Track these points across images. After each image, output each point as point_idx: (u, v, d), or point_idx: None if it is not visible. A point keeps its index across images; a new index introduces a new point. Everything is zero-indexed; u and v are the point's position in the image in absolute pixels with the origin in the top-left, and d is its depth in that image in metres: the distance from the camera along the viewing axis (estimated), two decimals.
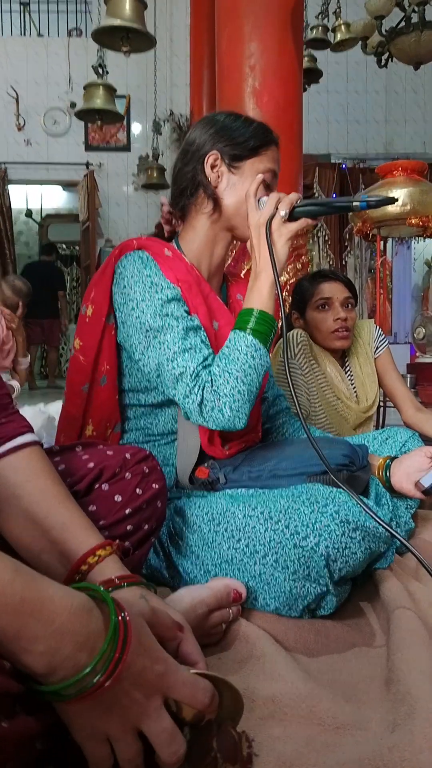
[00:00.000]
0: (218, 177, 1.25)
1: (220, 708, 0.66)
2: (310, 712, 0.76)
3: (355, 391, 2.06)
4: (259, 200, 1.20)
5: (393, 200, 1.12)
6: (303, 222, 1.17)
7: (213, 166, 1.25)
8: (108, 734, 0.56)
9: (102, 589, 0.60)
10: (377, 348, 2.12)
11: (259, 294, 1.16)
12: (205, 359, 1.14)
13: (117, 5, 3.87)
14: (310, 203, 1.18)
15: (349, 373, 2.08)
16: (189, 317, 1.17)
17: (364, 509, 0.99)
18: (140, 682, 0.57)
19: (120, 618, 0.56)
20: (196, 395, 1.11)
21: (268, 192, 1.24)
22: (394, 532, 0.96)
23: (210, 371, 1.12)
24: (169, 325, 1.14)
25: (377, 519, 0.96)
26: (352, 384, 2.07)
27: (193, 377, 1.12)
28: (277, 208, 1.17)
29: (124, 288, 1.18)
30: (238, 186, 1.25)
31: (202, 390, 1.11)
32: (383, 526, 0.97)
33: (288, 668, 0.84)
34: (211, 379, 1.11)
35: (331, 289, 1.99)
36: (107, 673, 0.54)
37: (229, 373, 1.11)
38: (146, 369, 1.17)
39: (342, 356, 2.09)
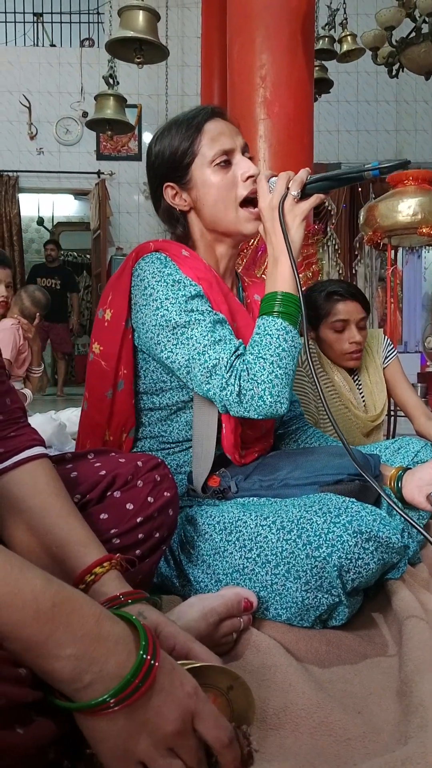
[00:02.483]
0: (185, 201, 1.28)
1: (231, 708, 0.66)
2: (322, 723, 0.76)
3: (364, 400, 2.05)
4: (268, 181, 1.18)
5: (407, 162, 1.08)
6: (316, 199, 1.15)
7: (174, 196, 1.28)
8: (138, 757, 0.56)
9: (134, 617, 0.61)
10: (386, 358, 2.11)
11: (282, 277, 1.14)
12: (237, 349, 1.13)
13: (130, 17, 3.91)
14: (321, 178, 1.15)
15: (357, 381, 2.07)
16: (214, 311, 1.17)
17: (388, 502, 0.98)
18: (171, 698, 0.56)
19: (151, 642, 0.58)
20: (234, 386, 1.10)
21: (228, 168, 1.23)
22: (412, 521, 0.95)
23: (244, 360, 1.11)
24: (195, 319, 1.14)
25: (401, 512, 0.95)
26: (360, 393, 2.06)
27: (227, 368, 1.11)
28: (288, 189, 1.15)
29: (146, 289, 1.18)
30: (201, 191, 1.25)
31: (239, 379, 1.10)
32: (406, 518, 0.95)
33: (299, 678, 0.84)
34: (247, 368, 1.10)
35: (348, 311, 1.95)
36: (140, 676, 0.55)
37: (263, 359, 1.09)
38: (175, 366, 1.16)
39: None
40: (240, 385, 1.10)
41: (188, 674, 0.60)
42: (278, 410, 1.11)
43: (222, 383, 1.11)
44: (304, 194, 1.16)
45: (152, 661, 0.56)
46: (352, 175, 1.13)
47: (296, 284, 1.14)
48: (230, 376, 1.11)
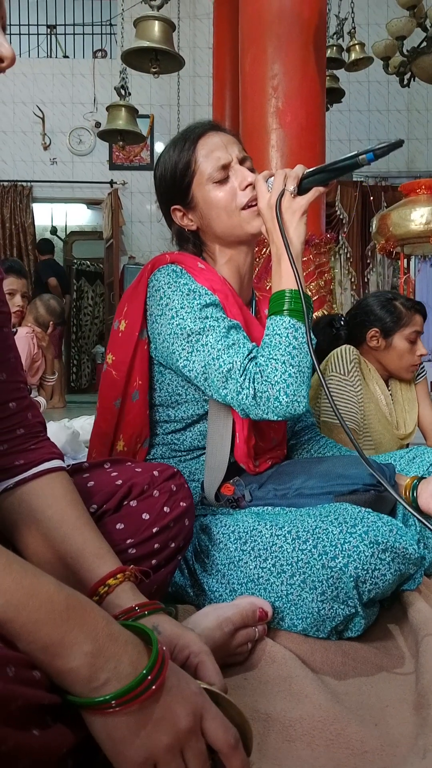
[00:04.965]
0: (191, 221, 1.30)
1: None
2: (339, 735, 0.75)
3: (396, 418, 2.05)
4: (266, 181, 1.18)
5: (400, 143, 1.05)
6: (314, 192, 1.14)
7: (182, 218, 1.30)
8: (156, 757, 0.56)
9: (146, 626, 0.63)
10: (418, 375, 2.11)
11: (287, 274, 1.13)
12: (250, 352, 1.13)
13: (146, 27, 3.94)
14: (316, 170, 1.14)
15: (391, 397, 2.07)
16: (229, 318, 1.17)
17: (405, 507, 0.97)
18: (181, 696, 0.58)
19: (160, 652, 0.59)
20: (248, 389, 1.10)
21: (226, 181, 1.24)
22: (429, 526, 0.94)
23: (256, 362, 1.11)
24: (210, 326, 1.14)
25: (418, 516, 0.94)
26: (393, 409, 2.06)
27: (241, 372, 1.11)
28: (285, 185, 1.14)
29: (161, 299, 1.19)
30: (204, 209, 1.26)
31: (253, 382, 1.10)
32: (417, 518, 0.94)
33: (315, 690, 0.84)
34: (260, 370, 1.10)
35: (421, 323, 1.98)
36: (154, 672, 0.56)
37: (275, 360, 1.09)
38: (192, 374, 1.16)
39: (386, 379, 2.07)
40: (255, 388, 1.10)
41: (192, 678, 0.62)
42: (296, 409, 1.10)
43: (237, 387, 1.11)
44: (302, 189, 1.15)
45: (156, 676, 0.57)
46: (348, 162, 1.11)
47: (296, 280, 1.13)
48: (244, 379, 1.10)
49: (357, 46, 4.83)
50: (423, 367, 2.14)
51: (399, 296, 2.03)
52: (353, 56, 4.84)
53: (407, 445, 2.14)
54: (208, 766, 0.58)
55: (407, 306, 1.99)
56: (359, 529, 0.97)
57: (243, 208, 1.24)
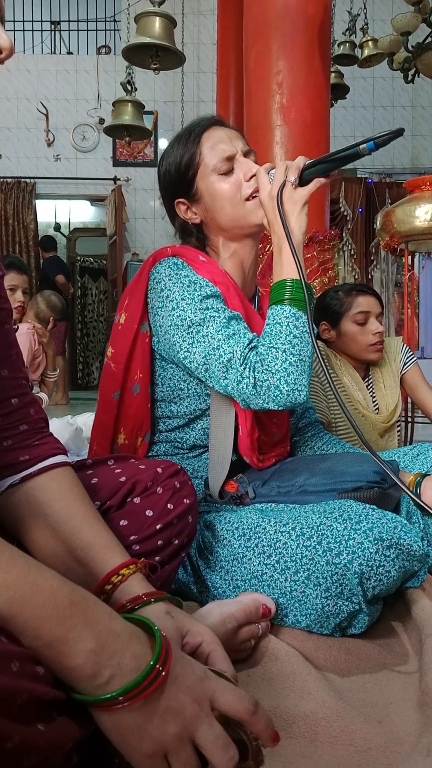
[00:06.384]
0: (195, 214, 1.30)
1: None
2: (342, 733, 0.75)
3: (375, 401, 2.10)
4: (268, 173, 1.19)
5: (401, 132, 1.05)
6: (316, 183, 1.15)
7: (186, 211, 1.31)
8: (166, 747, 0.56)
9: (150, 620, 0.63)
10: (405, 364, 2.15)
11: (288, 264, 1.14)
12: (251, 341, 1.13)
13: (147, 24, 3.93)
14: (317, 161, 1.14)
15: (369, 384, 2.12)
16: (229, 309, 1.17)
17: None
18: (185, 685, 0.58)
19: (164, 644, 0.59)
20: (249, 378, 1.10)
21: (231, 173, 1.24)
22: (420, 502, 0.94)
23: (257, 351, 1.11)
24: (210, 317, 1.14)
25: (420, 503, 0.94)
26: (371, 394, 2.10)
27: (241, 361, 1.11)
28: (286, 176, 1.15)
29: (162, 291, 1.19)
30: (208, 200, 1.27)
31: (254, 371, 1.10)
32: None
33: (319, 687, 0.84)
34: (260, 359, 1.10)
35: (369, 303, 2.03)
36: (161, 661, 0.56)
37: (276, 348, 1.09)
38: (193, 366, 1.16)
39: (366, 367, 2.13)
40: (255, 377, 1.10)
41: (196, 661, 0.62)
42: (297, 398, 1.10)
43: (238, 377, 1.11)
44: (304, 181, 1.15)
45: (162, 665, 0.57)
46: (349, 152, 1.11)
47: (298, 270, 1.13)
48: (244, 368, 1.11)
49: (370, 42, 4.79)
50: (412, 355, 2.18)
51: (343, 285, 2.11)
52: (366, 52, 4.80)
53: (408, 440, 2.17)
54: (233, 752, 0.57)
55: (346, 291, 2.05)
56: (364, 526, 0.97)
57: (247, 199, 1.24)
